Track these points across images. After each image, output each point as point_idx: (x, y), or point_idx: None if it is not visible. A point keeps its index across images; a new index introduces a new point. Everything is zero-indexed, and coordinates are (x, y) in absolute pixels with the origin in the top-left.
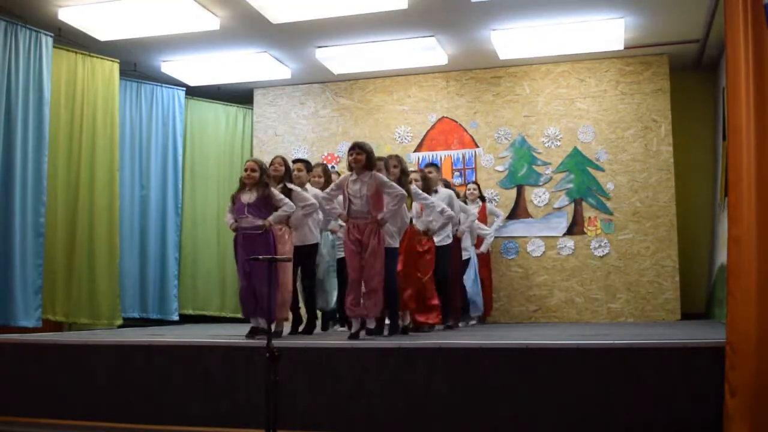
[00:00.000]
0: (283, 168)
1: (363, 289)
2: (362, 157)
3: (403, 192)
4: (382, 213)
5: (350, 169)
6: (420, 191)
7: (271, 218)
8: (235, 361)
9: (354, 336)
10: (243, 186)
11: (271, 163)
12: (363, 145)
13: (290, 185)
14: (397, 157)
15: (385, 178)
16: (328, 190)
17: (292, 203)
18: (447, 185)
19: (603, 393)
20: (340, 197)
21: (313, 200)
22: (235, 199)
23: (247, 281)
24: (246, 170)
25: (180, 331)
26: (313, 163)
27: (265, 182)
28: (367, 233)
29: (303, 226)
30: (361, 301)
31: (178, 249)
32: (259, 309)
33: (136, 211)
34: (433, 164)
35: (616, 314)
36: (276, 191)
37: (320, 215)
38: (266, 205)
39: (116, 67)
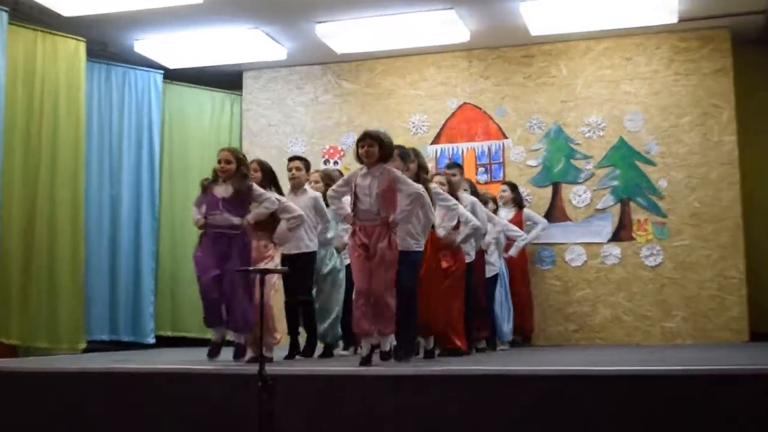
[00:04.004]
0: (259, 174)
1: (372, 302)
2: (374, 149)
3: (419, 190)
4: (394, 215)
5: (360, 162)
6: (441, 191)
7: (249, 216)
8: (223, 390)
9: (366, 361)
10: (216, 178)
11: None
12: (376, 134)
13: (273, 195)
14: (413, 150)
15: (400, 173)
16: (335, 186)
17: (275, 199)
18: (473, 189)
19: (656, 429)
20: (347, 198)
21: (300, 212)
22: (206, 190)
23: (212, 285)
24: (219, 161)
25: (157, 356)
26: (313, 163)
27: (243, 174)
28: (375, 237)
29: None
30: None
31: (154, 259)
32: (229, 320)
33: (105, 214)
34: (456, 164)
35: (671, 335)
36: (256, 185)
37: (314, 221)
38: (244, 201)
39: (82, 46)
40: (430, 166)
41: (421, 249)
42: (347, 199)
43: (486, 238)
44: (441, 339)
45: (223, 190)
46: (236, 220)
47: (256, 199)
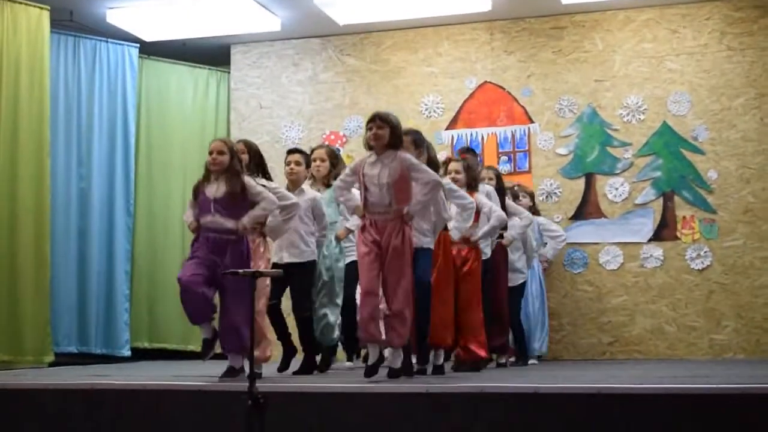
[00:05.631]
0: (246, 156)
1: (383, 307)
2: (384, 132)
3: (438, 178)
4: (409, 205)
5: (369, 147)
6: (456, 187)
7: (245, 219)
8: (207, 410)
9: (371, 370)
10: (209, 174)
11: None
12: (387, 116)
13: (261, 181)
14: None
15: (415, 159)
16: (341, 176)
17: (273, 197)
18: (499, 182)
19: None
20: (356, 192)
21: (295, 199)
22: (198, 191)
23: (195, 281)
24: (211, 153)
25: (132, 371)
26: (313, 147)
27: (237, 169)
28: (387, 232)
29: (285, 236)
30: (381, 324)
31: (129, 261)
32: (223, 340)
33: (73, 209)
34: (469, 149)
35: (721, 348)
36: (252, 181)
37: (312, 227)
38: (240, 200)
39: (46, 15)
40: (445, 153)
41: (431, 247)
42: (356, 193)
43: (509, 232)
44: (455, 349)
45: (214, 190)
46: (230, 224)
47: (253, 198)
